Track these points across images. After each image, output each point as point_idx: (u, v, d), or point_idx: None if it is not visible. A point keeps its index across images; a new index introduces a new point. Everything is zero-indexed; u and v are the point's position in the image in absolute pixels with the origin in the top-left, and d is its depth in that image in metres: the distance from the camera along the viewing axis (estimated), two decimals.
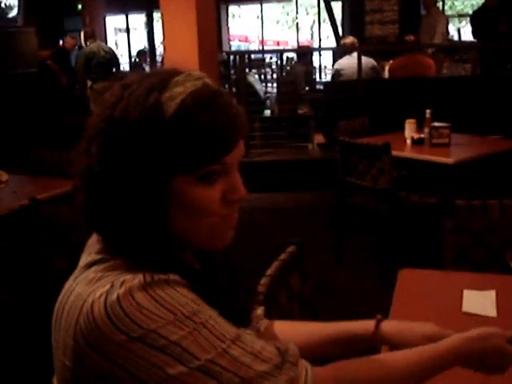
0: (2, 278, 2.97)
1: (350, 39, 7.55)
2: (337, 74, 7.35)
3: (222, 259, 1.16)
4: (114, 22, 15.87)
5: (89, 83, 8.26)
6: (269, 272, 1.67)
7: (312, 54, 10.05)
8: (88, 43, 8.46)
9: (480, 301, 1.72)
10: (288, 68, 10.27)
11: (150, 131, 0.89)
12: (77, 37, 9.74)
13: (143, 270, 0.88)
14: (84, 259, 0.97)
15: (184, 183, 0.92)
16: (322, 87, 9.27)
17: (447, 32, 9.31)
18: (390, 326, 1.25)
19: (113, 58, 8.55)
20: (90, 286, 0.87)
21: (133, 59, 14.29)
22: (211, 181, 0.94)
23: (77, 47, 9.88)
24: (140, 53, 11.85)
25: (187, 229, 0.96)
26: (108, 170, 0.90)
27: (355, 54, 6.88)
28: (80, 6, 12.56)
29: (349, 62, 7.12)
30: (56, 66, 8.79)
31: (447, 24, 8.93)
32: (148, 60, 12.18)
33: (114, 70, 8.44)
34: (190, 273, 0.96)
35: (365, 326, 1.28)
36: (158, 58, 13.79)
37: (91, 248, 0.98)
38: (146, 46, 15.02)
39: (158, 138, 0.89)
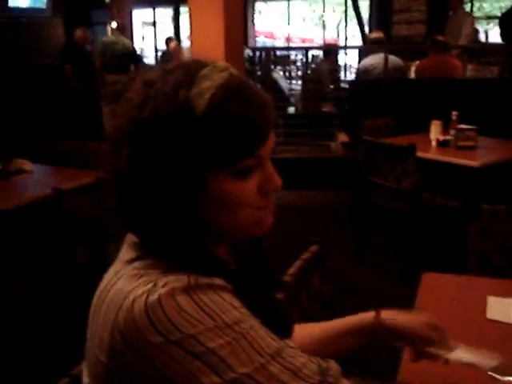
0: (24, 267, 2.99)
1: (378, 33, 7.44)
2: (361, 72, 7.29)
3: (258, 258, 1.15)
4: (141, 15, 15.90)
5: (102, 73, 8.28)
6: (291, 271, 1.66)
7: (338, 52, 9.99)
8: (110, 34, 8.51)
9: (504, 308, 1.69)
10: (313, 66, 10.23)
11: (183, 129, 0.87)
12: (88, 30, 9.74)
13: (185, 270, 0.87)
14: (124, 253, 0.95)
15: (220, 179, 0.90)
16: (346, 86, 9.22)
17: (476, 33, 9.22)
18: (389, 312, 1.29)
19: (130, 54, 8.49)
20: (132, 283, 0.86)
21: (159, 53, 14.30)
22: (247, 174, 0.92)
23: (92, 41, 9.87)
24: (168, 40, 11.44)
25: (225, 222, 0.94)
26: (142, 171, 0.89)
27: (382, 54, 6.82)
28: None
29: (374, 61, 7.06)
30: (69, 69, 8.70)
31: (473, 25, 8.82)
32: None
33: (131, 65, 8.39)
34: (231, 274, 0.93)
35: (366, 315, 1.32)
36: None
37: (131, 243, 0.97)
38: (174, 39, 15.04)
39: (191, 135, 0.87)
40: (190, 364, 0.80)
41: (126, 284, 0.87)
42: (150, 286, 0.83)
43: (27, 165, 3.82)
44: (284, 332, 0.99)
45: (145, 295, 0.82)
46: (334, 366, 0.94)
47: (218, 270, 0.91)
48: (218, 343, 0.81)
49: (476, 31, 10.09)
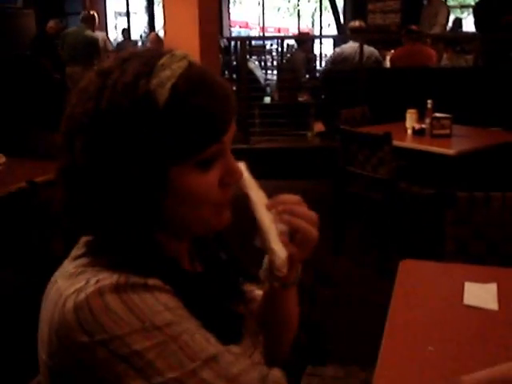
0: (0, 261, 2.96)
1: (357, 23, 7.42)
2: (336, 60, 7.24)
3: (224, 259, 1.13)
4: (114, 5, 15.76)
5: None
6: None
7: (313, 42, 10.00)
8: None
9: (481, 294, 1.70)
10: (288, 55, 10.23)
11: (144, 122, 0.83)
12: (61, 21, 9.62)
13: (125, 268, 0.84)
14: (74, 250, 0.93)
15: (182, 172, 0.87)
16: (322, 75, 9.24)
17: (459, 23, 9.27)
18: None
19: (92, 45, 8.35)
20: (68, 281, 0.84)
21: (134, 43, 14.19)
22: (209, 165, 0.90)
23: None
24: (124, 32, 11.35)
25: (185, 217, 0.92)
26: (98, 166, 0.84)
27: (355, 43, 6.83)
28: None
29: (349, 49, 7.05)
30: (48, 63, 8.59)
31: (448, 15, 8.87)
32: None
33: (94, 57, 8.26)
34: (179, 275, 0.91)
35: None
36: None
37: (84, 239, 0.94)
38: (147, 30, 14.93)
39: (153, 128, 0.84)
40: (116, 366, 0.77)
41: (63, 282, 0.85)
42: (82, 283, 0.81)
43: (0, 157, 3.77)
44: (232, 338, 0.96)
45: (75, 294, 0.80)
46: (276, 373, 0.92)
47: (162, 268, 0.88)
48: (146, 345, 0.78)
49: (460, 21, 10.18)
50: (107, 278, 0.81)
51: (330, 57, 7.57)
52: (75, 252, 0.92)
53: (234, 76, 7.85)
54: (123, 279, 0.81)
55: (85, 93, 0.87)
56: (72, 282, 0.83)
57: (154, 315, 0.80)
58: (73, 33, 8.32)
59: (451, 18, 9.79)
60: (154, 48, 0.88)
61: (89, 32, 8.52)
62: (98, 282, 0.80)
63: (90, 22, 8.58)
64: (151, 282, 0.83)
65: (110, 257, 0.87)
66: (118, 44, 12.37)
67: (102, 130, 0.84)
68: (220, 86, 0.91)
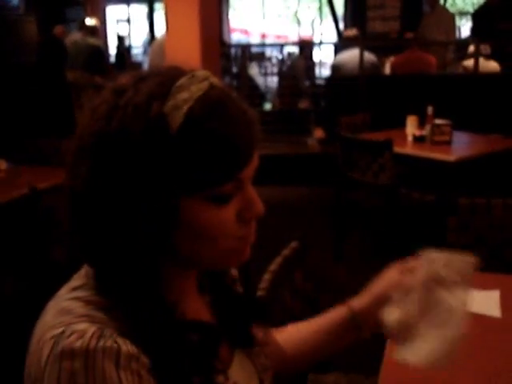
0: (1, 267, 2.96)
1: (353, 31, 7.47)
2: (336, 68, 7.31)
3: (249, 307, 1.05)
4: (115, 12, 15.78)
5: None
6: (271, 267, 1.66)
7: (313, 48, 10.01)
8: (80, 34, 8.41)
9: (484, 301, 1.70)
10: (288, 62, 10.24)
11: (154, 147, 0.76)
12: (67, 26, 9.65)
13: (115, 313, 0.79)
14: (73, 279, 0.87)
15: (194, 205, 0.80)
16: (322, 82, 9.25)
17: (455, 29, 9.27)
18: (356, 302, 1.26)
19: (96, 53, 8.35)
20: (54, 319, 0.79)
21: (135, 50, 14.24)
22: (225, 200, 0.82)
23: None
24: (120, 39, 11.36)
25: (194, 252, 0.84)
26: (101, 190, 0.78)
27: (356, 50, 6.85)
28: None
29: (350, 56, 7.09)
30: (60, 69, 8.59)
31: (454, 21, 8.87)
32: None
33: (99, 66, 8.26)
34: (169, 335, 0.82)
35: (340, 308, 1.25)
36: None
37: (84, 267, 0.88)
38: (148, 37, 14.95)
39: (164, 154, 0.77)
40: None
41: (50, 318, 0.80)
42: (59, 331, 0.76)
43: (2, 164, 3.78)
44: None
45: (52, 342, 0.76)
46: None
47: (154, 320, 0.81)
48: None
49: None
50: (81, 336, 0.74)
51: (333, 65, 7.59)
52: (74, 282, 0.86)
53: (235, 82, 7.86)
54: (95, 342, 0.74)
55: (96, 112, 0.81)
56: (55, 324, 0.78)
57: None
58: (75, 42, 8.31)
59: None
60: (174, 67, 0.79)
61: (92, 40, 8.54)
62: (71, 334, 0.75)
63: (88, 30, 8.58)
64: (126, 350, 0.75)
65: (105, 295, 0.82)
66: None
67: (108, 153, 0.77)
68: (243, 113, 0.83)
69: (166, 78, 0.81)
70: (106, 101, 0.81)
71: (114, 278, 0.81)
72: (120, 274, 0.81)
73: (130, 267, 0.80)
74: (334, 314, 1.23)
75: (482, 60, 6.52)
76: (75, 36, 8.61)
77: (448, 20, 8.36)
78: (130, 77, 0.83)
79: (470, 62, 6.82)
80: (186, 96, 0.79)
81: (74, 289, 0.84)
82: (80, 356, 0.73)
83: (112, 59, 12.17)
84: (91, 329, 0.75)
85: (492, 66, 6.63)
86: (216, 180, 0.79)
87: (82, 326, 0.76)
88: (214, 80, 0.84)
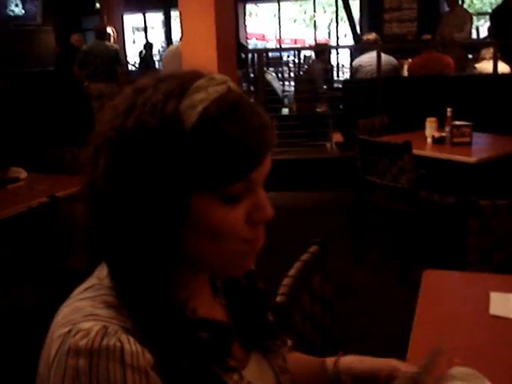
0: (20, 275, 2.97)
1: (372, 35, 7.44)
2: (355, 70, 7.30)
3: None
4: (131, 20, 15.91)
5: (86, 82, 8.22)
6: (291, 272, 1.65)
7: (330, 52, 10.01)
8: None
9: (508, 304, 1.68)
10: (306, 66, 10.25)
11: (168, 144, 0.79)
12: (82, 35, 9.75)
13: (123, 311, 0.80)
14: (87, 280, 0.89)
15: (205, 202, 0.82)
16: (339, 85, 9.24)
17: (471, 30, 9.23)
18: (347, 359, 1.19)
19: (113, 59, 8.39)
20: (63, 319, 0.81)
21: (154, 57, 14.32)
22: (235, 200, 0.83)
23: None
24: (147, 47, 11.42)
25: (204, 252, 0.85)
26: (118, 184, 0.81)
27: (374, 53, 6.83)
28: (98, 5, 12.58)
29: (368, 59, 7.06)
30: (79, 73, 8.66)
31: (472, 22, 8.82)
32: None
33: (116, 71, 8.31)
34: (177, 333, 0.83)
35: (331, 361, 1.20)
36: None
37: (97, 269, 0.89)
38: (164, 45, 15.04)
39: (177, 152, 0.79)
40: None
41: (60, 318, 0.82)
42: (66, 330, 0.78)
43: (21, 173, 3.81)
44: None
45: (58, 341, 0.77)
46: None
47: (161, 318, 0.82)
48: None
49: (476, 28, 10.08)
50: (86, 334, 0.76)
51: (352, 68, 7.57)
52: (86, 284, 0.88)
53: (252, 88, 7.86)
54: (99, 341, 0.75)
55: (115, 110, 0.84)
56: (63, 323, 0.80)
57: None
58: (92, 49, 8.38)
59: None
60: (194, 70, 0.82)
61: (107, 45, 8.59)
62: (77, 333, 0.76)
63: (103, 37, 8.63)
64: (129, 348, 0.76)
65: (116, 294, 0.83)
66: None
67: (125, 148, 0.81)
68: (257, 116, 0.85)
69: (184, 79, 0.84)
70: (126, 99, 0.84)
71: (125, 272, 0.83)
72: (131, 268, 0.83)
73: (140, 261, 0.82)
74: (326, 362, 1.20)
75: (489, 63, 6.47)
76: (89, 45, 8.67)
77: (467, 20, 8.32)
78: (150, 78, 0.87)
79: (481, 65, 6.77)
80: (202, 96, 0.81)
81: (86, 289, 0.86)
82: (85, 355, 0.74)
83: (132, 66, 12.31)
84: (96, 327, 0.77)
85: (502, 67, 6.56)
86: (227, 179, 0.81)
87: (87, 324, 0.77)
88: (232, 84, 0.86)
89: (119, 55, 8.58)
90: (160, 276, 0.84)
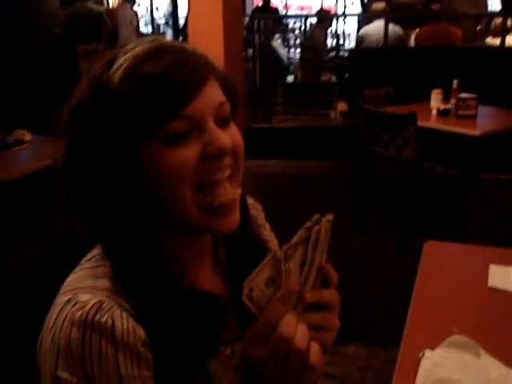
0: (26, 237, 2.99)
1: (381, 4, 7.32)
2: (360, 39, 7.22)
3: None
4: None
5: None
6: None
7: (331, 20, 9.86)
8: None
9: (506, 276, 1.69)
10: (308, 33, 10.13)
11: (101, 108, 0.83)
12: None
13: (119, 281, 0.83)
14: (93, 249, 0.91)
15: (152, 150, 0.82)
16: (346, 54, 9.16)
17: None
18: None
19: (97, 20, 8.28)
20: (66, 287, 0.85)
21: (155, 24, 14.18)
22: (180, 138, 0.83)
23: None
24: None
25: (169, 205, 0.85)
26: (79, 156, 0.86)
27: (383, 22, 6.75)
28: None
29: (375, 28, 6.99)
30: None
31: None
32: None
33: (99, 32, 8.19)
34: (176, 295, 0.85)
35: None
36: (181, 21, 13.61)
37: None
38: (170, 9, 14.87)
39: (111, 112, 0.83)
40: None
41: (67, 284, 0.86)
42: (66, 298, 0.81)
43: (26, 135, 3.81)
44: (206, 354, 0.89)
45: (58, 309, 0.81)
46: None
47: (155, 285, 0.84)
48: None
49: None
50: (83, 307, 0.79)
51: (358, 36, 7.48)
52: (93, 252, 0.90)
53: (258, 54, 7.79)
54: (92, 315, 0.78)
55: (83, 84, 0.88)
56: (65, 291, 0.83)
57: (102, 377, 0.77)
58: (77, 11, 8.24)
59: None
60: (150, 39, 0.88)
61: (93, 6, 8.43)
62: (75, 304, 0.79)
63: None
64: (120, 326, 0.78)
65: (110, 263, 0.86)
66: None
67: (79, 119, 0.86)
68: (184, 53, 0.86)
69: (119, 48, 0.88)
70: (93, 74, 0.87)
71: (109, 235, 0.87)
72: (112, 229, 0.86)
73: (117, 219, 0.85)
74: None
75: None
76: (74, 7, 8.50)
77: None
78: (119, 49, 0.89)
79: (492, 40, 6.71)
80: (128, 56, 0.85)
81: (90, 259, 0.89)
82: (78, 326, 0.77)
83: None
84: (92, 301, 0.80)
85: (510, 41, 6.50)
86: (161, 118, 0.82)
87: (85, 297, 0.81)
88: (165, 41, 0.89)
89: (103, 16, 8.43)
90: (143, 238, 0.86)
